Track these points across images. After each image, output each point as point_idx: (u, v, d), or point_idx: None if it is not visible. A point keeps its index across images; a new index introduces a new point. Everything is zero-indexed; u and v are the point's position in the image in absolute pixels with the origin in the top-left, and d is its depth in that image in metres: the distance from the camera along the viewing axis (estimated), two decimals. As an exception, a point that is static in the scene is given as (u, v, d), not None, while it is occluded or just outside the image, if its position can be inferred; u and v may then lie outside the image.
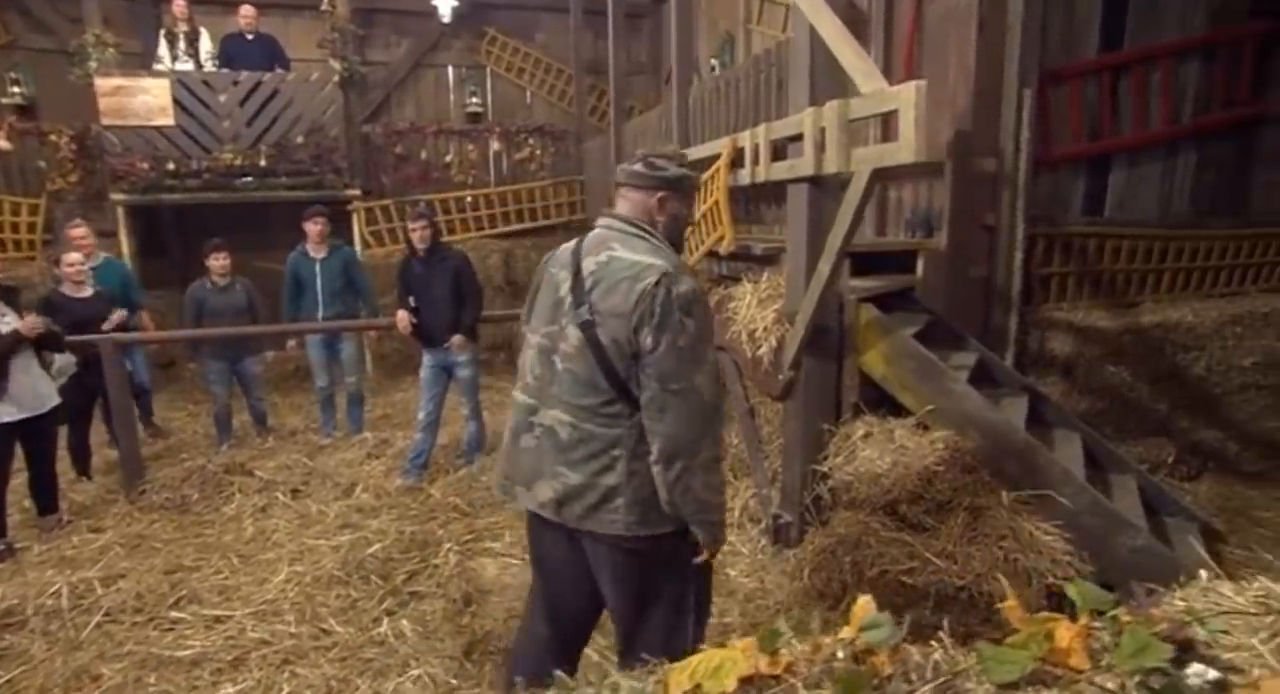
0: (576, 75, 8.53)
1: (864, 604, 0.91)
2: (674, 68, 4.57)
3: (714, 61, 7.23)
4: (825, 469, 3.09)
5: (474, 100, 8.77)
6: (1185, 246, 4.67)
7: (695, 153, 4.05)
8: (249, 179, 6.45)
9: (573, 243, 1.84)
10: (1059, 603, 2.70)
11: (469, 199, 7.88)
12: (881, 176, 4.53)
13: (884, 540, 2.76)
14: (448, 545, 3.53)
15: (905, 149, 2.11)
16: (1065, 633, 1.02)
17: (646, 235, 1.77)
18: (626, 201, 1.81)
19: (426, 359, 4.43)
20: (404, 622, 2.95)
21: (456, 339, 4.29)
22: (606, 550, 1.75)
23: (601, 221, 1.82)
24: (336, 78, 6.76)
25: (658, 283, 1.63)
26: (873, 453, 3.00)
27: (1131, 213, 4.57)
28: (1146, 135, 4.49)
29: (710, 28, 7.69)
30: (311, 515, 3.92)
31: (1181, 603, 1.21)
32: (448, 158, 7.91)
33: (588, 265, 1.73)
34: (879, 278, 3.80)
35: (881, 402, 3.22)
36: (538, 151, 8.39)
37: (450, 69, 9.06)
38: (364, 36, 8.42)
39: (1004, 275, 4.07)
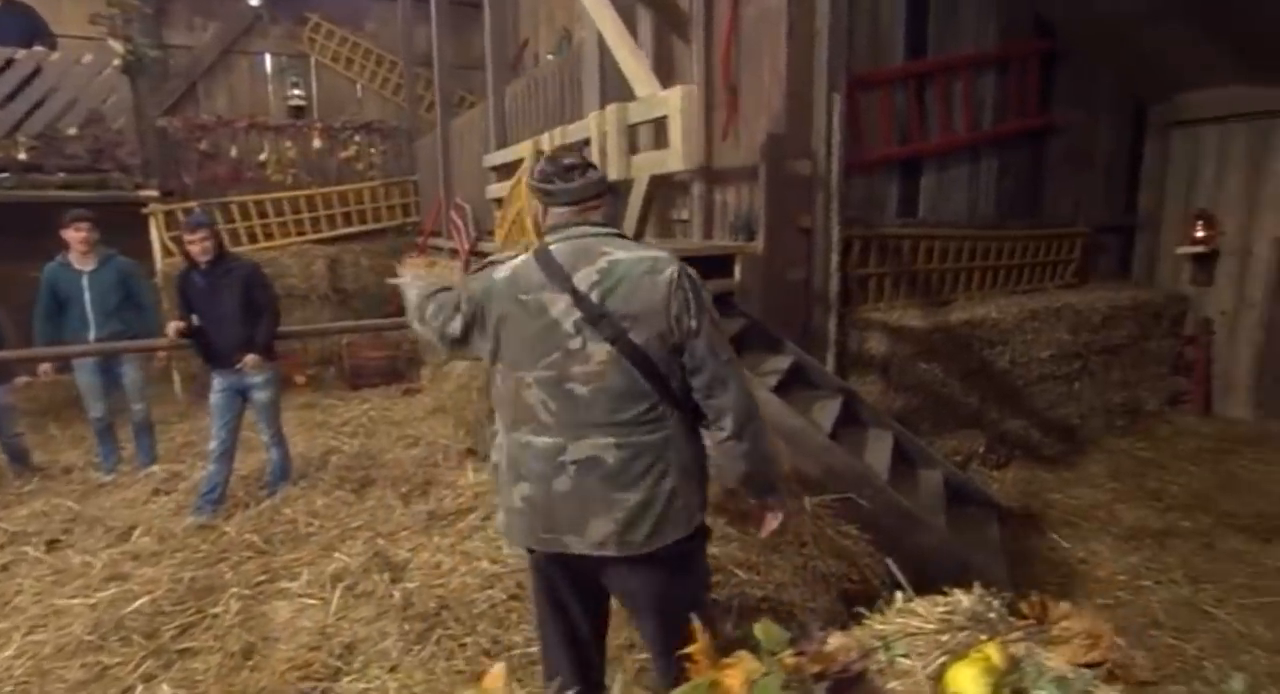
0: (407, 67, 8.19)
1: (494, 675, 0.84)
2: (489, 65, 4.44)
3: (550, 56, 7.15)
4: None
5: (296, 92, 8.23)
6: (991, 246, 5.08)
7: (506, 156, 3.95)
8: (6, 175, 5.69)
9: (529, 263, 1.76)
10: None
11: (302, 201, 7.37)
12: (709, 179, 4.66)
13: (688, 555, 2.76)
14: (234, 590, 3.23)
15: (674, 156, 2.10)
16: (734, 680, 1.00)
17: (620, 234, 1.81)
18: (599, 211, 1.80)
19: (216, 382, 4.06)
20: (164, 687, 2.65)
21: (250, 359, 3.95)
22: (646, 573, 1.75)
23: (573, 232, 1.77)
24: (118, 61, 6.10)
25: (679, 270, 1.68)
26: (682, 464, 3.01)
27: (943, 214, 4.91)
28: (952, 140, 4.84)
29: (548, 21, 7.61)
30: (71, 569, 3.48)
31: (880, 626, 1.23)
32: (262, 155, 7.37)
33: (585, 277, 1.68)
34: (699, 283, 3.84)
35: (694, 411, 3.24)
36: (370, 149, 8.00)
37: (268, 57, 8.46)
38: (159, 16, 7.70)
39: (822, 277, 4.23)
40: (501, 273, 1.79)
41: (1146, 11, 4.80)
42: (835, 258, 4.21)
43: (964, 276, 5.00)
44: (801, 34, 4.04)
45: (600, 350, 1.66)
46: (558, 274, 1.69)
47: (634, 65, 2.34)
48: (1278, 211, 5.25)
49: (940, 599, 1.25)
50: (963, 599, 1.24)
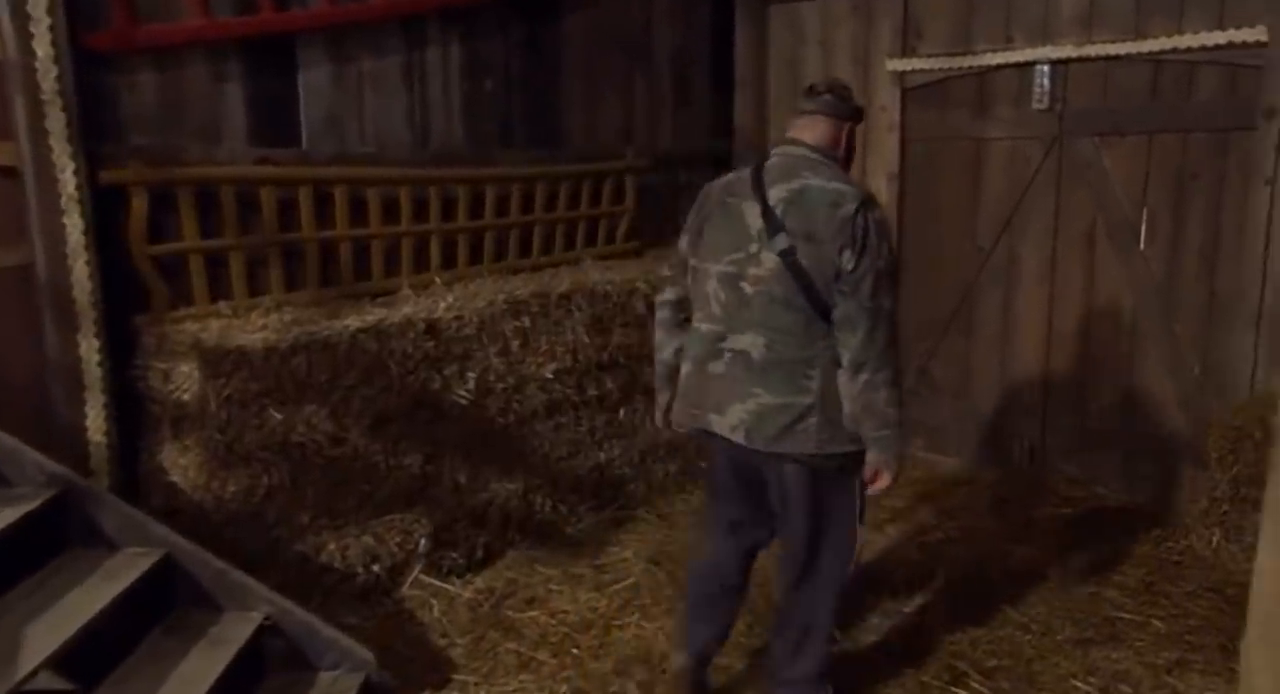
0: None
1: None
2: None
3: None
4: None
5: None
6: (459, 195, 4.50)
7: None
8: None
9: (744, 173, 2.79)
10: None
11: None
12: None
13: None
14: None
15: None
16: None
17: (832, 163, 2.74)
18: (813, 130, 2.77)
19: None
20: None
21: None
22: (793, 471, 2.72)
23: (782, 149, 2.77)
24: None
25: (858, 210, 2.55)
26: None
27: (354, 142, 4.23)
28: (356, 10, 4.08)
29: None
30: None
31: None
32: None
33: (776, 193, 2.63)
34: None
35: None
36: None
37: None
38: None
39: (56, 261, 3.28)
40: (724, 178, 2.89)
41: None
42: (81, 222, 3.31)
43: (413, 250, 4.29)
44: None
45: (771, 260, 2.61)
46: (758, 186, 2.68)
47: None
48: (892, 133, 5.25)
49: None
50: None
